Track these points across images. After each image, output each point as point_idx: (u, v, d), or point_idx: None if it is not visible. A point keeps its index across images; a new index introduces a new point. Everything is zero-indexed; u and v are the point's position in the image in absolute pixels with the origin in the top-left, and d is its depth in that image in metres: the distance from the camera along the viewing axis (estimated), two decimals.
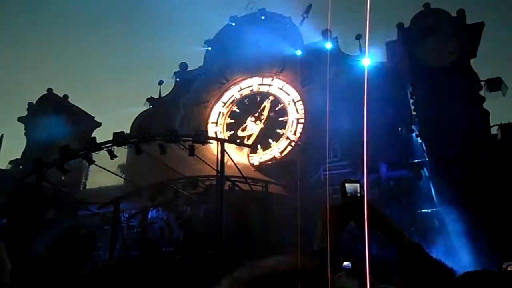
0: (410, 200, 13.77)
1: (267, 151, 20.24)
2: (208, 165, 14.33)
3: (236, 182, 15.38)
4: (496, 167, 13.68)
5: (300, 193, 13.95)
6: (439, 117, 14.63)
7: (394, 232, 1.62)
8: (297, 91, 20.84)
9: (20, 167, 20.69)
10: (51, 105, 22.63)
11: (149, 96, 24.34)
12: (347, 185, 1.67)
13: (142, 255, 14.59)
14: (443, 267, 1.56)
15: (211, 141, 14.91)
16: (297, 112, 20.42)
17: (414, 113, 16.35)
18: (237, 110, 21.97)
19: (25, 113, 23.28)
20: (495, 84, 16.05)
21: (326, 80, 13.49)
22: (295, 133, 20.17)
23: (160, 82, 24.35)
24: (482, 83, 16.05)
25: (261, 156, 20.20)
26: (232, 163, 14.69)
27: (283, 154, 19.89)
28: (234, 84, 22.40)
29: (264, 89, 21.61)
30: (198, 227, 14.79)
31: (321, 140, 11.68)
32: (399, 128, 15.91)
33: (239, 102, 22.03)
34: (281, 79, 21.39)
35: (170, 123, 18.54)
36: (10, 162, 21.58)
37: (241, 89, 22.12)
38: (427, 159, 14.88)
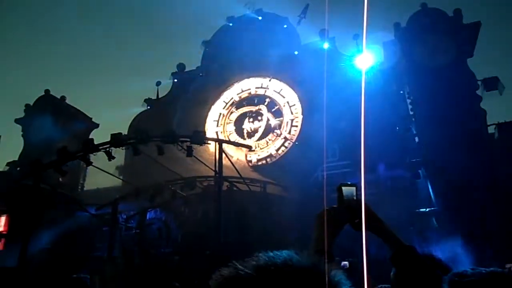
0: (408, 199, 13.78)
1: (264, 149, 20.89)
2: (206, 165, 14.33)
3: (234, 183, 15.37)
4: (493, 166, 13.73)
5: (299, 193, 13.96)
6: (436, 117, 14.66)
7: (387, 235, 1.63)
8: (294, 91, 20.94)
9: (18, 168, 20.61)
10: (49, 106, 22.54)
11: (147, 97, 24.36)
12: (343, 188, 1.66)
13: (140, 256, 14.57)
14: (435, 270, 1.57)
15: (209, 141, 14.91)
16: (291, 113, 20.99)
17: (411, 112, 16.38)
18: (237, 111, 22.09)
19: (22, 114, 23.24)
20: (492, 83, 16.11)
21: (323, 80, 13.50)
22: (289, 133, 20.83)
23: (158, 83, 24.31)
24: (479, 83, 16.10)
25: (259, 154, 20.77)
26: (230, 164, 14.69)
27: (279, 152, 20.52)
28: (232, 85, 22.47)
29: (261, 92, 22.03)
30: (196, 228, 14.79)
31: (319, 140, 11.67)
32: (397, 127, 15.93)
33: (238, 104, 22.25)
34: (278, 79, 21.46)
35: (168, 124, 18.53)
36: (8, 164, 21.53)
37: (240, 92, 22.40)
38: (423, 158, 14.89)
